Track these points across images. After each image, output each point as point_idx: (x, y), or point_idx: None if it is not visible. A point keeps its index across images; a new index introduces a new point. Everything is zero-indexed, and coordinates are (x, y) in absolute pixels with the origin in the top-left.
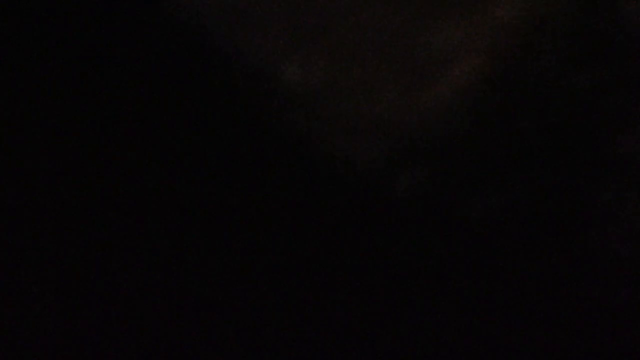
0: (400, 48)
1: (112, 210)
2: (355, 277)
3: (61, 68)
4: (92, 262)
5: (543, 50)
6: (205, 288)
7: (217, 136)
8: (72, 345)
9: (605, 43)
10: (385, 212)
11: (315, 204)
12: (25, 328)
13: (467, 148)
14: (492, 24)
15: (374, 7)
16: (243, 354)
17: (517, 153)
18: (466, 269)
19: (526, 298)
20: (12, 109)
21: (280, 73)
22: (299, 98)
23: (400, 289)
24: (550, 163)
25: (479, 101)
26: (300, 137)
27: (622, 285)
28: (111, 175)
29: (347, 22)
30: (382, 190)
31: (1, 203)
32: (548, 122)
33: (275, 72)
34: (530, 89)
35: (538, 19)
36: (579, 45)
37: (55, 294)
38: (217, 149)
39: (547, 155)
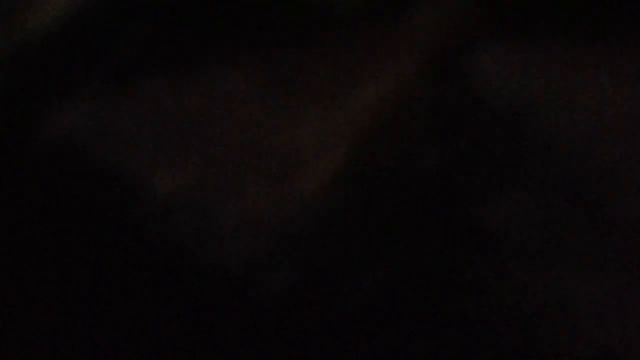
0: (269, 144)
1: None
2: None
3: None
4: None
5: (402, 131)
6: None
7: (91, 251)
8: None
9: (460, 116)
10: (261, 314)
11: (189, 311)
12: None
13: (337, 238)
14: (352, 110)
15: (246, 105)
16: None
17: (385, 237)
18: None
19: None
20: None
21: (150, 182)
22: (170, 206)
23: None
24: (417, 243)
25: (344, 190)
26: (174, 245)
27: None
28: None
29: (218, 124)
30: (256, 291)
31: None
32: (411, 203)
33: (145, 182)
34: (393, 172)
35: (395, 100)
36: (436, 121)
37: None
38: (91, 263)
39: (414, 236)
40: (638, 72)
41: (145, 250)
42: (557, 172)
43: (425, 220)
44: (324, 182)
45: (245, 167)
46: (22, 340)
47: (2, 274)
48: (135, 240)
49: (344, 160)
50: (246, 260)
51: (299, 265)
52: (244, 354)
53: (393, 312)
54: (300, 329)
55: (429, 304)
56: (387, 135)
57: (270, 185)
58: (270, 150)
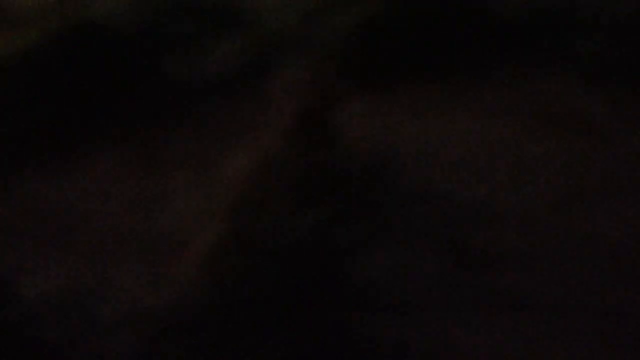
0: (145, 228)
1: None
2: None
3: None
4: None
5: (275, 198)
6: None
7: None
8: None
9: (330, 176)
10: None
11: None
12: None
13: (221, 317)
14: (224, 181)
15: (118, 190)
16: None
17: (267, 309)
18: None
19: None
20: None
21: (18, 287)
22: (40, 308)
23: None
24: (300, 310)
25: (223, 267)
26: (50, 349)
27: None
28: None
29: (90, 216)
30: None
31: None
32: (289, 271)
33: (13, 286)
34: (269, 241)
35: (266, 166)
36: (307, 183)
37: None
38: None
39: (296, 304)
40: (488, 109)
41: (21, 356)
42: (425, 220)
43: (304, 286)
44: (204, 260)
45: (120, 257)
46: None
47: None
48: (8, 345)
49: (221, 235)
50: (128, 356)
51: (183, 355)
52: None
53: None
54: None
55: None
56: (261, 204)
57: (148, 273)
58: (145, 235)
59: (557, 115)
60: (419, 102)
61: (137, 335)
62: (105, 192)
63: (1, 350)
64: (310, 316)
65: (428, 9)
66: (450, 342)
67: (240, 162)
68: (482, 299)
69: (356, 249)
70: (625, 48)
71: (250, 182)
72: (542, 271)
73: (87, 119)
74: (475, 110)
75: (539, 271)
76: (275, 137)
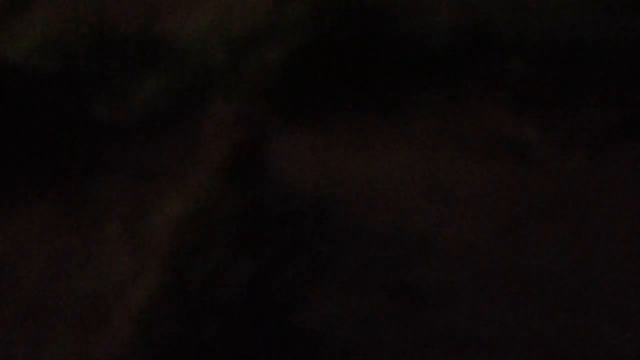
0: (73, 288)
1: None
2: None
3: None
4: None
5: (211, 245)
6: None
7: None
8: None
9: (268, 218)
10: None
11: None
12: None
13: None
14: (157, 229)
15: (44, 246)
16: None
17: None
18: None
19: None
20: None
21: None
22: None
23: None
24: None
25: (159, 323)
26: None
27: None
28: None
29: (11, 281)
30: None
31: None
32: (230, 322)
33: None
34: (206, 292)
35: (200, 210)
36: (244, 227)
37: None
38: None
39: (238, 356)
40: (423, 139)
41: None
42: (368, 260)
43: (245, 340)
44: (137, 322)
45: (49, 327)
46: None
47: None
48: None
49: (154, 291)
50: None
51: None
52: None
53: None
54: None
55: None
56: (196, 253)
57: (77, 342)
58: (74, 299)
59: (492, 142)
60: (353, 135)
61: None
62: (28, 252)
63: None
64: None
65: (357, 38)
66: None
67: (172, 209)
68: (429, 341)
69: (298, 296)
70: (551, 69)
71: (184, 230)
72: (487, 307)
73: (6, 170)
74: (411, 142)
75: (484, 307)
76: (208, 178)
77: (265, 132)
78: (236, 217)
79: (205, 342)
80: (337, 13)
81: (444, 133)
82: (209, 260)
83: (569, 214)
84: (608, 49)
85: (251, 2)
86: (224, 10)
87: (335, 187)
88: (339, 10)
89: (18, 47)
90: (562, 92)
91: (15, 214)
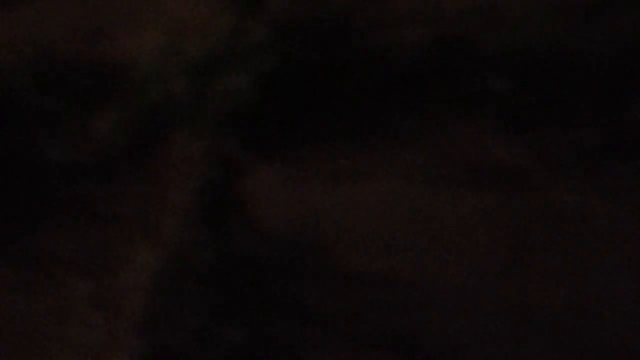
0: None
1: None
2: None
3: None
4: None
5: (190, 305)
6: None
7: None
8: None
9: (246, 270)
10: None
11: None
12: None
13: None
14: (126, 292)
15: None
16: None
17: None
18: None
19: None
20: None
21: None
22: None
23: None
24: None
25: None
26: None
27: None
28: None
29: None
30: None
31: None
32: None
33: None
34: (186, 357)
35: (173, 265)
36: (223, 281)
37: None
38: None
39: None
40: (408, 169)
41: None
42: (360, 310)
43: None
44: None
45: None
46: None
47: None
48: None
49: (134, 356)
50: None
51: None
52: None
53: None
54: None
55: None
56: (173, 313)
57: None
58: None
59: (482, 169)
60: (332, 167)
61: None
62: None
63: None
64: None
65: (325, 62)
66: None
67: (141, 262)
68: None
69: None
70: (536, 84)
71: (159, 287)
72: (488, 355)
73: None
74: (395, 173)
75: (485, 356)
76: (177, 223)
77: (236, 168)
78: (214, 270)
79: None
80: (303, 33)
81: (428, 161)
82: (189, 324)
83: (571, 249)
84: (594, 62)
85: (206, 20)
86: (179, 30)
87: (317, 226)
88: (304, 29)
89: None
90: (550, 110)
91: None
